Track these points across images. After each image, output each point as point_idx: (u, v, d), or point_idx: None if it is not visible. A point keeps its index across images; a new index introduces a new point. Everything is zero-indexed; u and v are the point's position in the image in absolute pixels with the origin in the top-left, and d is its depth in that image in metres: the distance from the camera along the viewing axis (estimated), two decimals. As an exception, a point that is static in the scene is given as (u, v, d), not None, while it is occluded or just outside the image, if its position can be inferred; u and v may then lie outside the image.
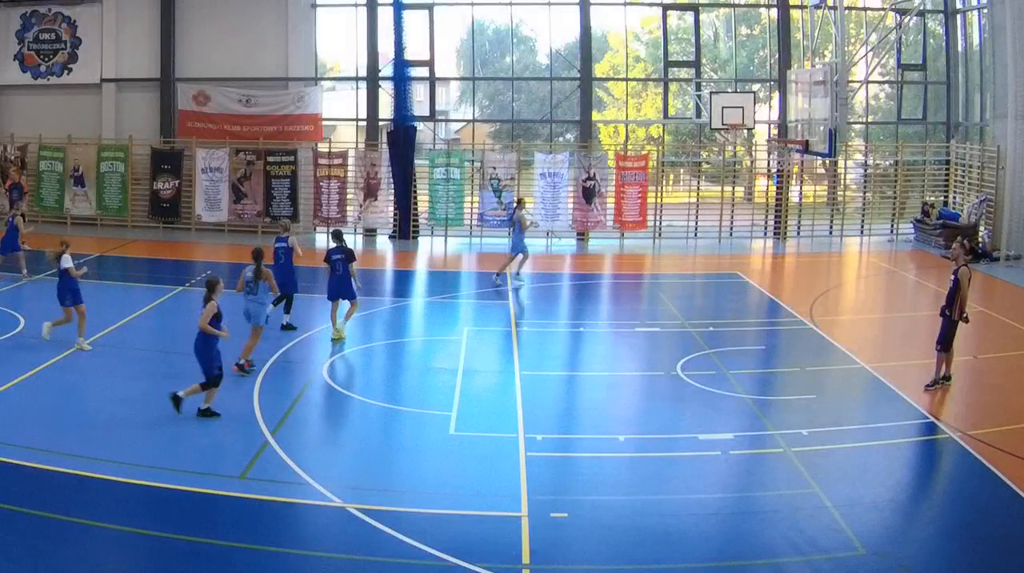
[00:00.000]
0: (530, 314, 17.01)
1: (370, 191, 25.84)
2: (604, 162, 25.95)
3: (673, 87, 28.55)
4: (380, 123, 26.51)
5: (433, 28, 26.63)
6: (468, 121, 29.31)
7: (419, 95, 26.40)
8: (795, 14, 27.10)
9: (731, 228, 26.74)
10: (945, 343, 12.70)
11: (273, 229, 25.86)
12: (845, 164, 27.18)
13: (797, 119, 25.62)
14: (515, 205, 20.93)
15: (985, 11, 25.20)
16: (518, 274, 19.96)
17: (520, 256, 19.82)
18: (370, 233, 26.46)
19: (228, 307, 12.13)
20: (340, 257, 15.02)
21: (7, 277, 18.64)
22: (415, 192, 26.00)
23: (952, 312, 12.65)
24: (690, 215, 26.24)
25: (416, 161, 25.86)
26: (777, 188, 26.82)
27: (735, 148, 27.88)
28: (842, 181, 27.67)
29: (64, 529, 8.32)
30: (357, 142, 27.06)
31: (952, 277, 12.85)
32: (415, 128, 25.49)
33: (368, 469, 10.21)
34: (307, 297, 16.82)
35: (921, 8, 26.43)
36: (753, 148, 28.60)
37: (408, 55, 25.45)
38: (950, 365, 12.88)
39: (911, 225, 26.39)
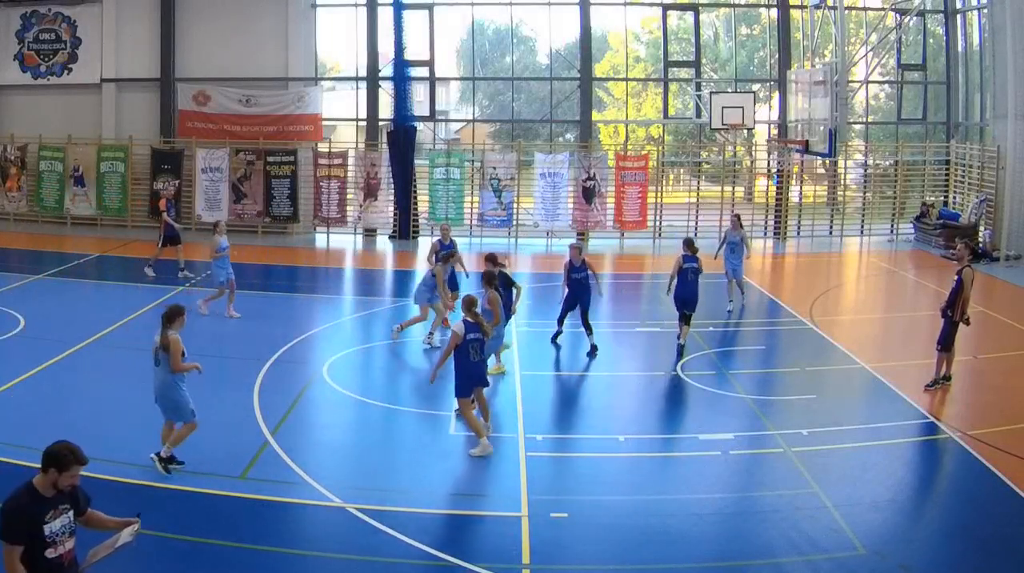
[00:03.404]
0: (530, 314, 16.99)
1: (370, 191, 25.84)
2: (604, 162, 25.95)
3: (673, 87, 28.55)
4: (380, 123, 26.51)
5: (433, 28, 26.63)
6: (468, 121, 29.31)
7: (419, 95, 26.40)
8: (795, 14, 27.10)
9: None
10: (946, 343, 12.70)
11: (273, 229, 26.01)
12: (845, 164, 27.19)
13: (797, 119, 25.62)
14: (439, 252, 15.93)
15: (985, 11, 25.21)
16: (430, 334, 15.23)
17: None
18: (370, 233, 26.46)
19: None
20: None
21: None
22: (415, 192, 26.01)
23: (954, 313, 12.65)
24: (690, 215, 26.23)
25: (416, 161, 25.86)
26: (777, 188, 26.83)
27: (735, 148, 27.88)
28: (842, 181, 27.67)
29: (64, 529, 8.31)
30: (357, 142, 27.06)
31: (955, 277, 12.84)
32: (415, 128, 25.48)
33: (368, 469, 10.20)
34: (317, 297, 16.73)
35: (921, 8, 26.42)
36: (753, 148, 28.60)
37: (408, 55, 25.44)
38: (950, 365, 12.88)
39: (911, 225, 26.39)
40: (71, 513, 5.73)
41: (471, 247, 25.13)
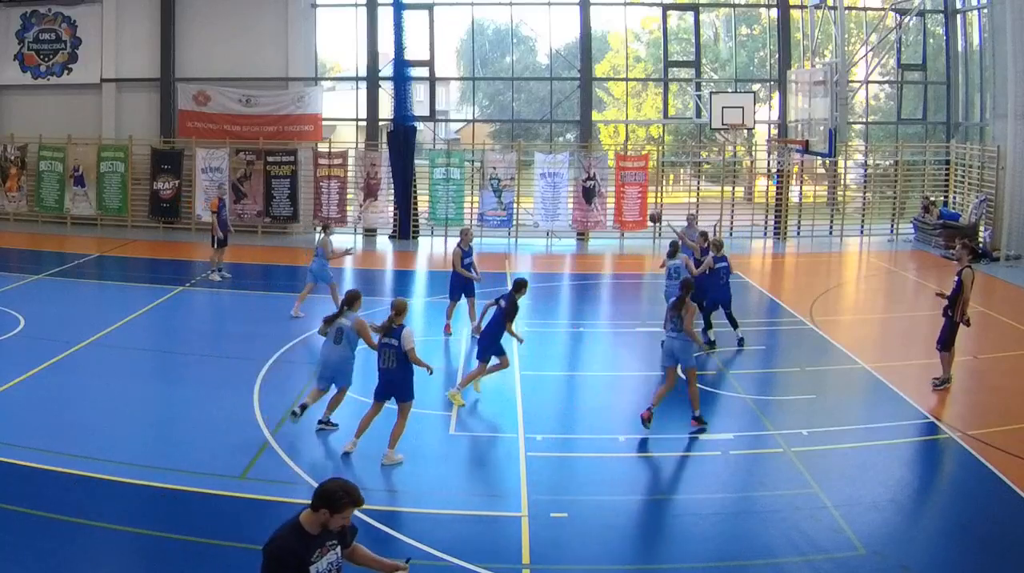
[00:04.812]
0: (530, 314, 16.99)
1: (370, 191, 25.84)
2: (604, 162, 25.96)
3: (673, 87, 28.55)
4: (380, 123, 26.51)
5: (433, 28, 26.63)
6: (468, 121, 29.31)
7: (419, 95, 26.41)
8: (795, 14, 27.10)
9: (731, 228, 26.73)
10: (945, 343, 12.71)
11: (273, 229, 26.02)
12: (845, 164, 27.18)
13: (797, 119, 25.62)
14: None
15: (985, 11, 25.20)
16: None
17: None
18: (370, 233, 26.46)
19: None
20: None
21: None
22: (415, 192, 26.01)
23: (954, 313, 12.66)
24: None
25: (416, 161, 25.86)
26: (777, 188, 26.83)
27: (735, 148, 27.88)
28: (842, 181, 27.67)
29: (64, 529, 8.32)
30: (357, 142, 27.05)
31: (955, 278, 12.85)
32: (415, 128, 25.48)
33: (368, 469, 10.19)
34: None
35: (921, 8, 26.42)
36: (753, 148, 28.60)
37: (408, 55, 25.44)
38: (950, 366, 12.88)
39: (911, 225, 26.39)
40: (338, 549, 5.32)
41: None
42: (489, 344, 12.22)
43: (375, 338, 10.35)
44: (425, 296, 20.28)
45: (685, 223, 18.54)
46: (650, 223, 19.84)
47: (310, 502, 5.15)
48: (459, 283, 15.62)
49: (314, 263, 16.96)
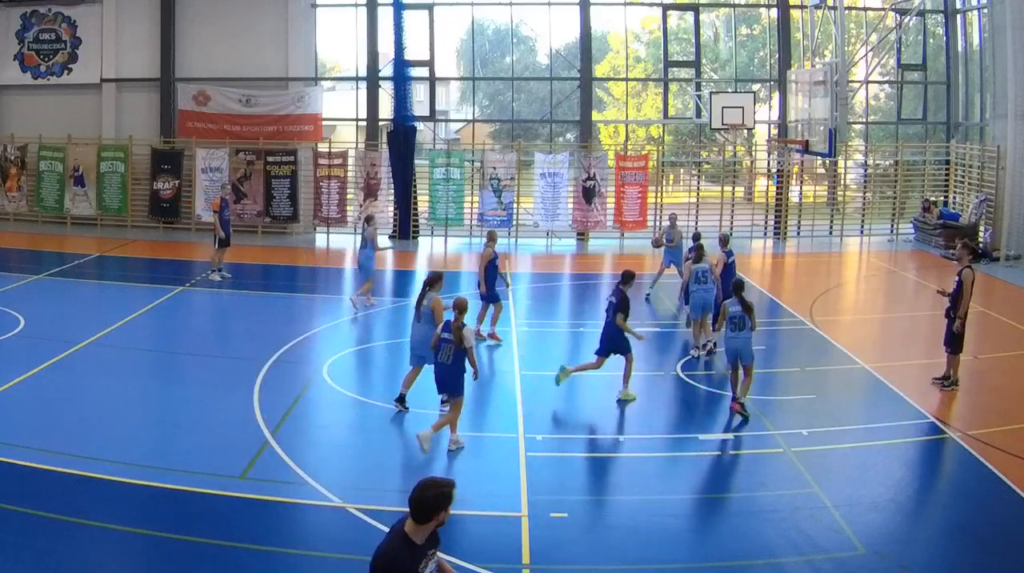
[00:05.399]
0: (530, 314, 17.00)
1: (370, 191, 25.84)
2: (604, 162, 25.95)
3: (673, 87, 28.55)
4: (380, 123, 26.52)
5: (433, 28, 26.63)
6: (468, 121, 29.32)
7: (419, 95, 26.42)
8: (795, 14, 27.10)
9: (731, 228, 26.70)
10: (954, 346, 12.70)
11: (273, 229, 26.01)
12: (845, 164, 27.19)
13: (797, 119, 25.62)
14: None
15: (985, 11, 25.20)
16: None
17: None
18: (370, 233, 26.45)
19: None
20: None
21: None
22: (415, 192, 26.01)
23: (956, 314, 12.66)
24: (690, 215, 26.22)
25: (416, 161, 25.86)
26: (777, 188, 26.83)
27: (735, 148, 27.88)
28: (842, 181, 27.67)
29: (63, 529, 8.32)
30: (357, 142, 27.06)
31: (956, 278, 12.85)
32: (415, 128, 25.49)
33: (368, 469, 10.20)
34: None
35: (921, 8, 26.42)
36: (753, 148, 28.60)
37: (408, 55, 25.45)
38: (957, 367, 12.87)
39: (911, 225, 26.39)
40: (436, 556, 5.24)
41: (471, 247, 25.16)
42: (619, 341, 12.22)
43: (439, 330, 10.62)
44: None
45: (668, 223, 18.69)
46: (654, 247, 19.85)
47: (411, 514, 5.01)
48: (494, 286, 15.31)
49: (362, 255, 17.32)
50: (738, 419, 11.61)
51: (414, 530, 5.01)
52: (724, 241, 15.54)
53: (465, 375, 10.49)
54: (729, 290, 14.41)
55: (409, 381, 11.62)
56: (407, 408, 11.55)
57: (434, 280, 11.44)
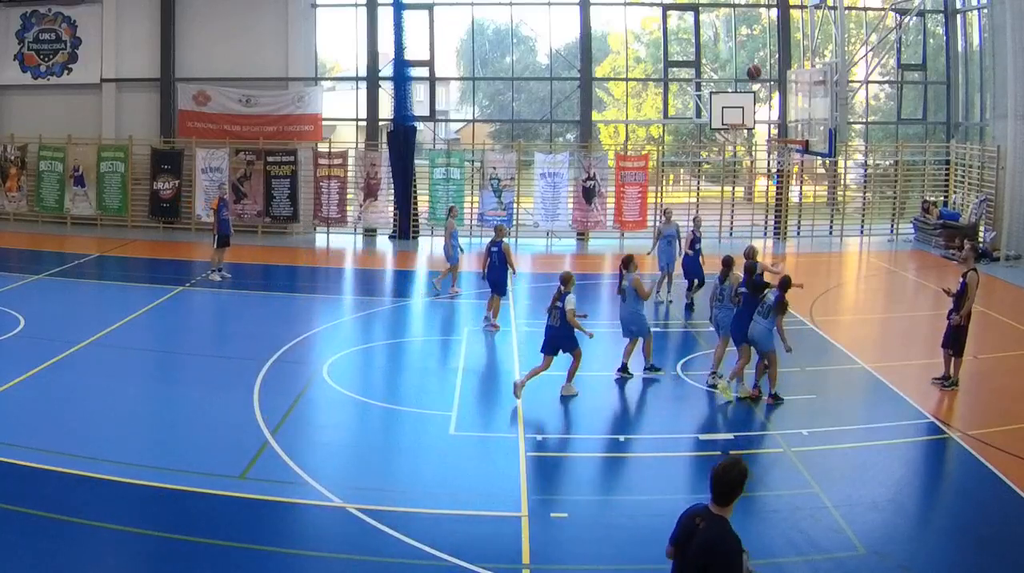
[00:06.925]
0: (530, 314, 16.99)
1: (370, 191, 25.84)
2: (604, 162, 25.96)
3: (673, 87, 28.55)
4: (380, 123, 26.51)
5: (433, 28, 26.63)
6: (468, 121, 29.32)
7: (419, 95, 26.42)
8: (795, 14, 27.10)
9: (731, 228, 26.73)
10: (956, 348, 12.69)
11: (273, 229, 26.02)
12: (845, 164, 27.19)
13: (797, 119, 25.62)
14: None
15: (985, 11, 25.20)
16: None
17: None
18: (370, 233, 26.47)
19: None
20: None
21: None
22: (415, 192, 26.01)
23: (959, 315, 12.66)
24: (690, 215, 26.18)
25: (416, 161, 25.86)
26: (777, 188, 26.83)
27: (735, 148, 27.88)
28: (842, 181, 27.67)
29: (64, 529, 8.32)
30: (357, 142, 27.06)
31: (960, 280, 12.84)
32: (415, 128, 25.49)
33: (368, 469, 10.20)
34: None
35: (921, 8, 26.42)
36: (753, 148, 28.60)
37: (408, 55, 25.46)
38: (950, 366, 12.87)
39: (911, 225, 26.39)
40: None
41: (471, 247, 25.17)
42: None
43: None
44: (425, 296, 20.26)
45: (664, 219, 18.99)
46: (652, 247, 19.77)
47: (714, 498, 5.58)
48: (505, 278, 16.13)
49: (449, 245, 18.47)
50: (739, 420, 11.62)
51: (723, 513, 5.61)
52: (750, 254, 14.04)
53: (575, 333, 12.07)
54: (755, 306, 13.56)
55: (628, 351, 13.19)
56: (631, 374, 13.07)
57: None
